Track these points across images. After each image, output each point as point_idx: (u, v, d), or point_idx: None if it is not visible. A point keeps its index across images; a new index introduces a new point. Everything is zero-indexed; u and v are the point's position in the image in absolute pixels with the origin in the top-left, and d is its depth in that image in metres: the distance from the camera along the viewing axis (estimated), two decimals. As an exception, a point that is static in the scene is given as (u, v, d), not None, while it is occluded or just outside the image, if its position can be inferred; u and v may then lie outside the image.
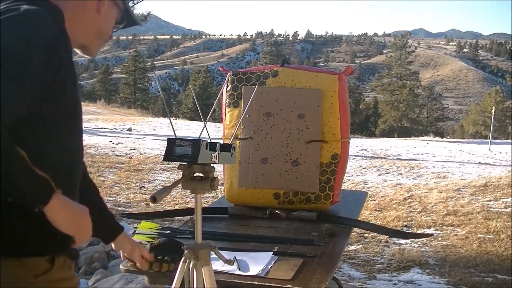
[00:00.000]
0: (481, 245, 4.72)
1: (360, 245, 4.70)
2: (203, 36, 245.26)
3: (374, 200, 6.65)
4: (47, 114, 1.11)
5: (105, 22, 1.31)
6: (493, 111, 14.47)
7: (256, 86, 2.44)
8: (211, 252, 1.41)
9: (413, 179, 8.33)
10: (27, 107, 1.04)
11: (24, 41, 1.03)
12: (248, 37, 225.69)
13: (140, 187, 6.77)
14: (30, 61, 1.02)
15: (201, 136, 1.41)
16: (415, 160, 10.41)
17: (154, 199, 1.26)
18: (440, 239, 4.98)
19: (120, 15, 1.36)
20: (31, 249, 1.11)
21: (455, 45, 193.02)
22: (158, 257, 1.65)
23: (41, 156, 1.10)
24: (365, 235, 4.91)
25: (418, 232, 5.18)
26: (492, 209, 6.12)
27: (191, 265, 1.38)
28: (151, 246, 1.71)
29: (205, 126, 1.43)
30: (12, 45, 1.00)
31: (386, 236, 4.80)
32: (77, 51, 1.33)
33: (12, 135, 0.97)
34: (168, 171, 8.02)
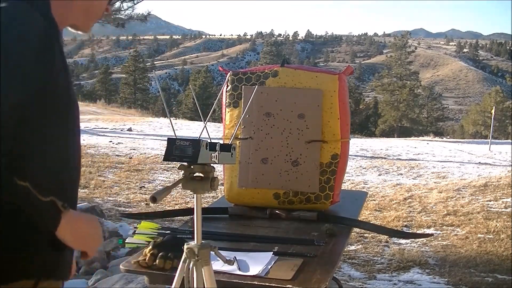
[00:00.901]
0: (481, 245, 4.72)
1: (360, 245, 4.70)
2: (203, 36, 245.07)
3: (374, 200, 6.65)
4: (43, 112, 1.09)
5: (96, 1, 1.25)
6: (493, 111, 14.45)
7: (256, 86, 2.44)
8: (211, 252, 1.41)
9: (413, 179, 8.32)
10: (24, 107, 1.02)
11: (14, 43, 1.00)
12: (248, 37, 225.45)
13: (140, 187, 6.77)
14: (22, 61, 1.00)
15: (201, 136, 1.41)
16: (415, 160, 10.40)
17: (154, 199, 1.26)
18: (440, 239, 4.98)
19: None
20: (18, 273, 1.09)
21: (455, 45, 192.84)
22: (161, 254, 1.66)
23: (41, 156, 1.09)
24: (365, 235, 4.91)
25: (418, 232, 5.19)
26: (492, 209, 6.12)
27: (191, 265, 1.38)
28: (154, 243, 1.71)
29: (205, 126, 1.43)
30: (3, 47, 0.98)
31: (386, 236, 4.80)
32: (69, 28, 1.27)
33: (9, 135, 0.96)
34: (168, 171, 8.02)
